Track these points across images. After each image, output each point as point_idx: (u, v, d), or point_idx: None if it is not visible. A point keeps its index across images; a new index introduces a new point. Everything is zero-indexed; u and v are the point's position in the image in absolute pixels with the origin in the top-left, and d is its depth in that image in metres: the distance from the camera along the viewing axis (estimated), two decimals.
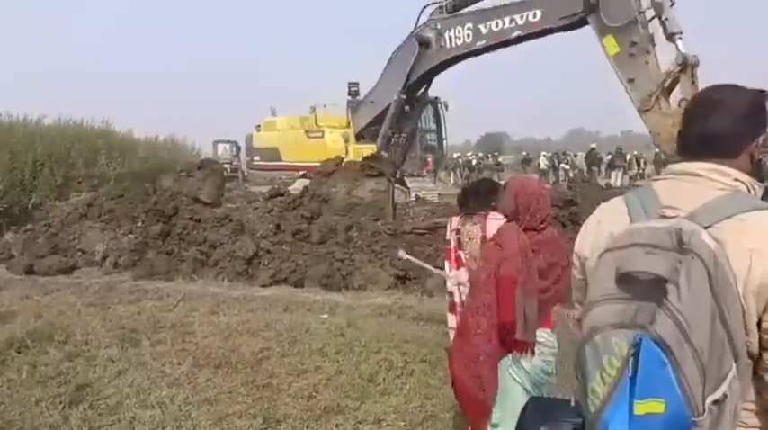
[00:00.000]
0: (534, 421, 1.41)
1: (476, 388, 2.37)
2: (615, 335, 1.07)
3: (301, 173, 13.28)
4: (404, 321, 6.02)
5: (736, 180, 1.23)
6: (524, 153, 38.65)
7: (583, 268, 1.39)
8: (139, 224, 9.44)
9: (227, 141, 24.72)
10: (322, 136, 15.33)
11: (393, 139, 13.82)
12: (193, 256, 8.56)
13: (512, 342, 2.41)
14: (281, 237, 8.61)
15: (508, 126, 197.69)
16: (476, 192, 3.73)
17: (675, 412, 0.99)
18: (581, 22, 10.05)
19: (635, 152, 28.32)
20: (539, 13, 10.64)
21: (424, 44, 12.37)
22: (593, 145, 28.67)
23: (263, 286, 7.73)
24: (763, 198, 1.25)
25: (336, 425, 3.69)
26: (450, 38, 12.11)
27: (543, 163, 29.34)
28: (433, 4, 12.75)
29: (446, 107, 16.46)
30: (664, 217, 1.19)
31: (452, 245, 3.81)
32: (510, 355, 2.47)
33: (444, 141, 17.12)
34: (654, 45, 9.00)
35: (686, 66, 8.27)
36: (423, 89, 13.94)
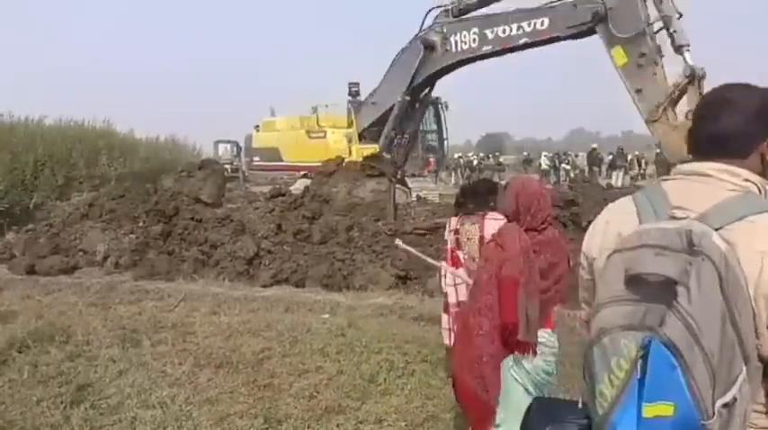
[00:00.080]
0: (539, 421, 1.41)
1: (479, 389, 2.37)
2: (624, 336, 1.06)
3: (302, 173, 13.28)
4: (405, 321, 6.02)
5: (747, 180, 1.22)
6: (525, 153, 38.64)
7: (591, 268, 1.38)
8: (140, 224, 9.45)
9: (228, 141, 24.67)
10: (324, 136, 15.30)
11: (395, 140, 13.84)
12: (194, 256, 8.57)
13: (514, 343, 2.41)
14: (282, 237, 8.61)
15: (509, 126, 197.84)
16: (474, 192, 3.74)
17: (684, 415, 0.98)
18: (588, 32, 10.12)
19: (636, 152, 28.32)
20: (546, 22, 10.68)
21: (429, 47, 12.38)
22: (595, 145, 28.63)
23: (264, 286, 7.73)
24: None
25: (337, 425, 3.68)
26: (455, 42, 12.12)
27: (544, 163, 29.30)
28: (439, 7, 12.77)
29: (446, 107, 16.47)
30: (673, 218, 1.17)
31: (450, 245, 3.81)
32: (512, 356, 2.47)
33: (445, 141, 17.13)
34: (661, 56, 9.14)
35: (694, 78, 8.42)
36: (426, 91, 13.97)
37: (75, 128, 16.46)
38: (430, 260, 4.46)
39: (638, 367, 1.00)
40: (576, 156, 32.23)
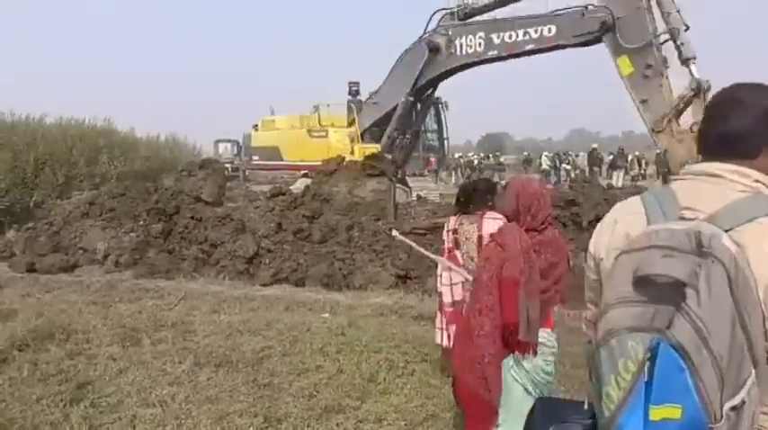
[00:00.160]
0: (542, 421, 1.40)
1: (481, 389, 2.36)
2: (631, 338, 1.04)
3: (303, 172, 13.27)
4: (405, 321, 6.02)
5: (757, 181, 1.20)
6: (525, 153, 38.67)
7: (597, 268, 1.36)
8: (141, 223, 9.45)
9: (229, 140, 24.64)
10: (326, 135, 15.22)
11: (397, 141, 13.87)
12: (194, 255, 8.57)
13: (515, 343, 2.41)
14: (283, 236, 8.61)
15: (509, 126, 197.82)
16: (473, 191, 3.75)
17: (692, 418, 0.97)
18: (595, 41, 10.17)
19: (636, 152, 28.30)
20: (553, 29, 10.71)
21: (434, 50, 12.39)
22: (595, 145, 28.65)
23: (264, 285, 7.73)
24: None
25: (337, 425, 3.68)
26: (460, 45, 12.14)
27: (545, 163, 29.32)
28: (444, 9, 12.77)
29: (446, 107, 16.47)
30: (682, 218, 1.16)
31: (448, 245, 3.82)
32: (512, 356, 2.47)
33: (445, 141, 17.13)
34: (667, 68, 9.24)
35: (699, 90, 8.51)
36: (429, 92, 14.00)
37: (76, 126, 16.47)
38: (426, 252, 4.47)
39: (646, 369, 0.99)
40: (577, 156, 32.27)
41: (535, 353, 2.45)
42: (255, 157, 17.34)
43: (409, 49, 13.07)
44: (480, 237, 3.51)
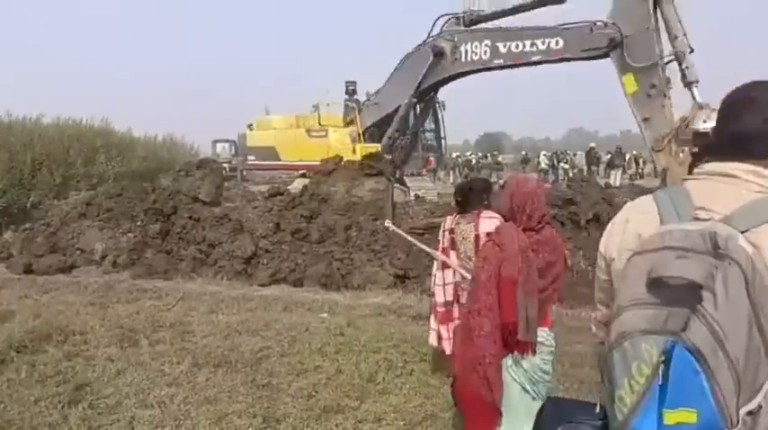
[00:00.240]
0: (551, 422, 1.38)
1: (484, 389, 2.35)
2: (645, 341, 1.02)
3: (300, 172, 13.24)
4: (403, 320, 6.01)
5: None
6: (524, 152, 38.72)
7: (608, 269, 1.33)
8: (138, 223, 9.42)
9: (226, 140, 24.62)
10: (325, 135, 15.17)
11: (398, 141, 13.88)
12: (192, 255, 8.55)
13: (514, 342, 2.41)
14: (281, 236, 8.60)
15: (507, 125, 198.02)
16: (469, 190, 3.76)
17: (708, 422, 0.95)
18: (602, 56, 10.25)
19: (634, 152, 28.31)
20: (561, 42, 10.76)
21: (439, 54, 12.37)
22: (593, 144, 28.72)
23: (263, 285, 7.72)
24: None
25: (336, 425, 3.67)
26: (466, 51, 12.12)
27: (543, 162, 29.35)
28: (449, 14, 12.75)
29: (444, 107, 16.45)
30: (696, 219, 1.13)
31: (443, 244, 3.82)
32: (511, 356, 2.47)
33: (443, 140, 17.10)
34: (669, 88, 9.43)
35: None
36: (431, 94, 14.02)
37: (73, 127, 16.40)
38: (420, 245, 4.47)
39: (660, 372, 0.98)
40: (575, 155, 32.31)
41: (534, 352, 2.45)
42: (251, 157, 17.23)
43: (413, 53, 13.04)
44: (477, 237, 3.52)
